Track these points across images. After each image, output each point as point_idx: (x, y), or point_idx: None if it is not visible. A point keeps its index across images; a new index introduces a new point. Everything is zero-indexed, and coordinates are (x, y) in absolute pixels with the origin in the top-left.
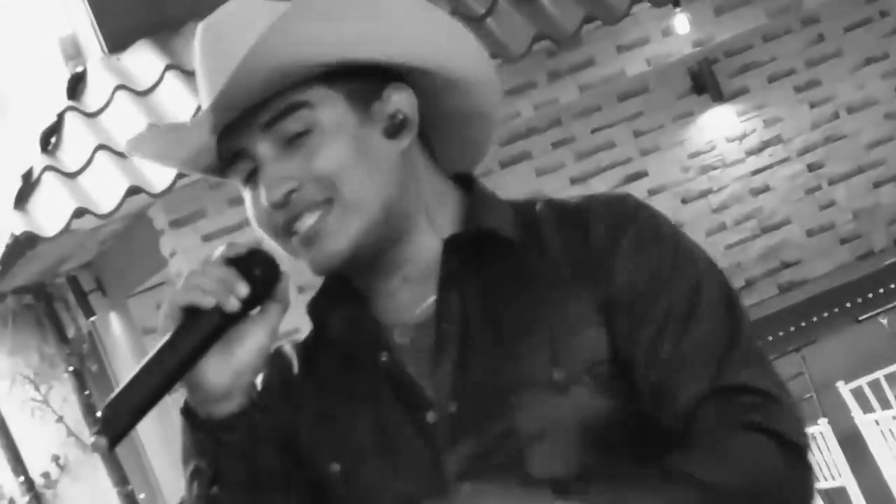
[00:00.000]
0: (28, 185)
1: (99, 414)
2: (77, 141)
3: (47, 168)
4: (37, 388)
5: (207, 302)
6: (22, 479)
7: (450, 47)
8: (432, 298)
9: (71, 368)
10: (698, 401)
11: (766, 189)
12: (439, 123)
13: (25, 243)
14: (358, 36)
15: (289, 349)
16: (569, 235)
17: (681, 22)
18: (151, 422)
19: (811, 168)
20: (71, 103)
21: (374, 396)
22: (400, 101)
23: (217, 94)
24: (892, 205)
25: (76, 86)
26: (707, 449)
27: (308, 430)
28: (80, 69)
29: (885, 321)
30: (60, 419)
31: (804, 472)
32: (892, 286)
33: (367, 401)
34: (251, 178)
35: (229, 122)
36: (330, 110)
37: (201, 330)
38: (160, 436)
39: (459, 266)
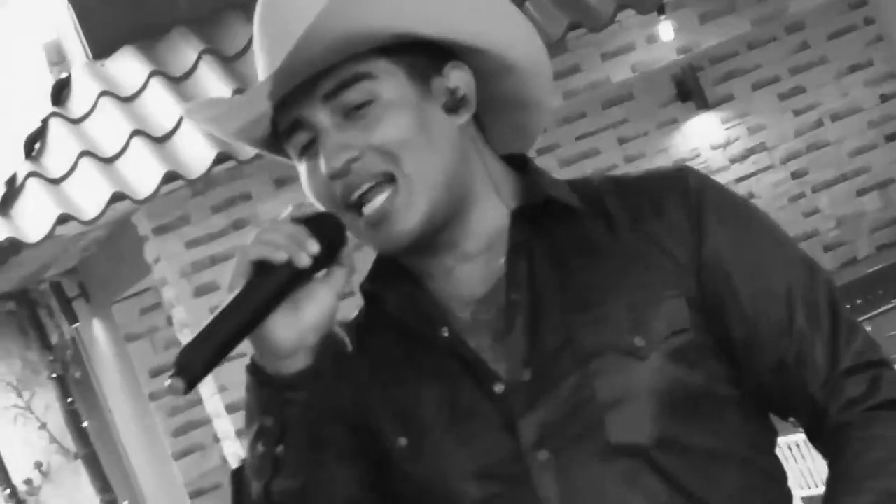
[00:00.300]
0: (12, 191)
1: (175, 359)
2: (61, 147)
3: (31, 174)
4: (19, 395)
5: (280, 256)
6: (4, 486)
7: (508, 31)
8: (492, 272)
9: (54, 375)
10: (840, 375)
11: (750, 196)
12: (491, 108)
13: (9, 249)
14: (424, 11)
15: (338, 329)
16: (638, 207)
17: (665, 29)
18: (134, 428)
19: (795, 175)
20: (55, 109)
21: (437, 372)
22: (459, 78)
23: (284, 59)
24: (876, 212)
25: (60, 92)
26: (877, 442)
27: (371, 405)
28: (64, 75)
29: (869, 328)
30: (43, 426)
31: None
32: (876, 294)
33: (430, 376)
34: (307, 150)
35: (288, 91)
36: (391, 83)
37: (272, 284)
38: (143, 442)
39: (527, 236)
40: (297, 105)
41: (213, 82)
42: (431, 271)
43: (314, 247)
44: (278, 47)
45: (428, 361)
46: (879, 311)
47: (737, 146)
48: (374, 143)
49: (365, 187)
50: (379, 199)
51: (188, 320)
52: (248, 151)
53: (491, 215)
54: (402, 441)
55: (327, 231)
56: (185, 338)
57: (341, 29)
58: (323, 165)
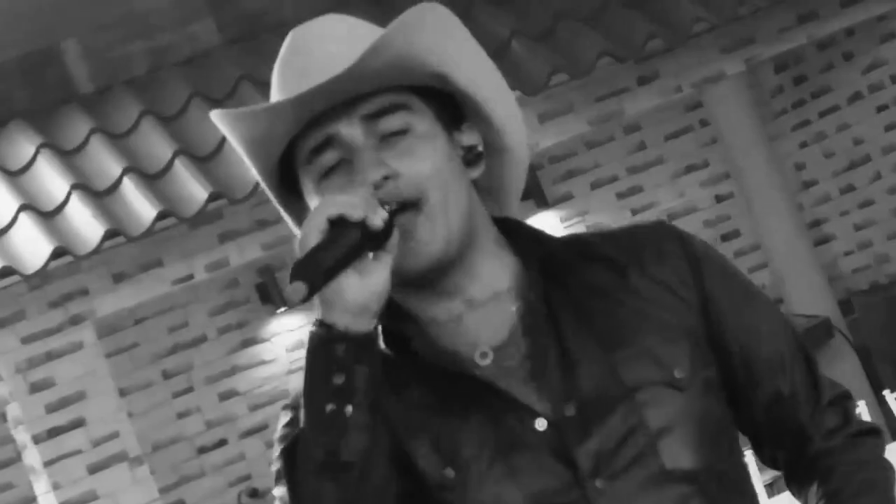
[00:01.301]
0: None
1: (291, 271)
2: None
3: None
4: None
5: (357, 214)
6: None
7: (510, 110)
8: (504, 321)
9: None
10: (822, 408)
11: None
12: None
13: None
14: (458, 57)
15: None
16: (640, 254)
17: None
18: None
19: None
20: None
21: (474, 409)
22: (474, 137)
23: (342, 71)
24: None
25: None
26: (862, 465)
27: (405, 440)
28: None
29: None
30: None
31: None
32: None
33: (467, 413)
34: (331, 173)
35: (322, 110)
36: (425, 120)
37: (349, 238)
38: None
39: (541, 283)
40: (334, 123)
41: (50, 176)
42: (438, 317)
43: (384, 213)
44: (309, 79)
45: (462, 399)
46: None
47: None
48: (407, 170)
49: (392, 205)
50: (404, 217)
51: (23, 417)
52: (85, 246)
53: (496, 264)
54: (450, 472)
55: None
56: (20, 435)
57: (399, 51)
58: (359, 176)
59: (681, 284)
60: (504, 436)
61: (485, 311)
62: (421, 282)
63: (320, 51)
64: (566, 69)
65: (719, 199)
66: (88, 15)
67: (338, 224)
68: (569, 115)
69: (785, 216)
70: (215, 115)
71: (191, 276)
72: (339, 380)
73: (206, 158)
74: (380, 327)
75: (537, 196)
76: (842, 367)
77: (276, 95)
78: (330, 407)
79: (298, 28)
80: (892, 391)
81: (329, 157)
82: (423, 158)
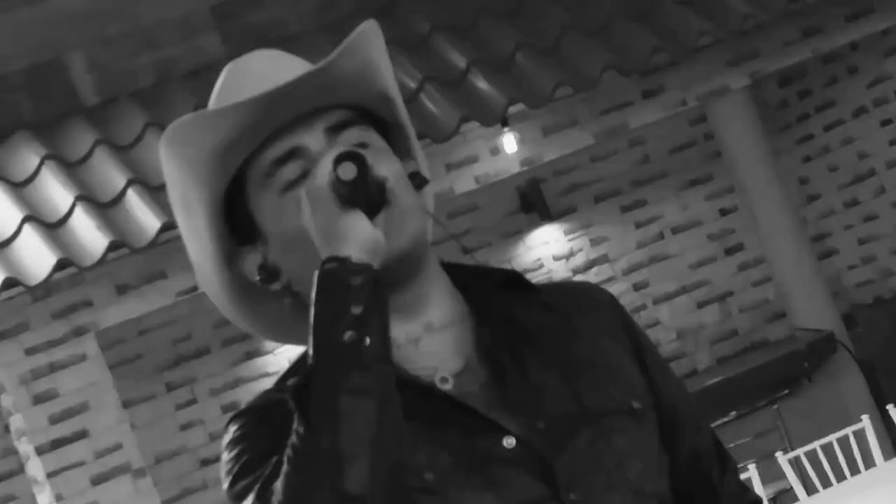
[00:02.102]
0: None
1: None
2: None
3: None
4: None
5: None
6: None
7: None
8: (462, 348)
9: None
10: (728, 473)
11: None
12: None
13: None
14: (390, 84)
15: None
16: (577, 302)
17: (509, 141)
18: None
19: (636, 287)
20: None
21: (442, 426)
22: (415, 165)
23: (304, 75)
24: (716, 324)
25: None
26: None
27: None
28: None
29: None
30: None
31: None
32: (716, 405)
33: (442, 424)
34: (290, 187)
35: (283, 122)
36: (378, 138)
37: (367, 179)
38: None
39: (483, 305)
40: (298, 134)
41: (54, 187)
42: (398, 338)
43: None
44: (271, 81)
45: (434, 413)
46: (718, 422)
47: (579, 257)
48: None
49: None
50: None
51: (26, 429)
52: (90, 258)
53: (446, 293)
54: (430, 476)
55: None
56: (23, 447)
57: (359, 63)
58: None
59: (616, 332)
60: (478, 451)
61: (442, 337)
62: (387, 284)
63: (262, 75)
64: (571, 82)
65: (723, 212)
66: (94, 28)
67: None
68: (573, 128)
69: (789, 230)
70: (173, 128)
71: (195, 288)
72: (356, 310)
73: None
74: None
75: (541, 209)
76: (845, 381)
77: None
78: (350, 335)
79: (234, 61)
80: (895, 405)
81: (292, 168)
82: (386, 166)
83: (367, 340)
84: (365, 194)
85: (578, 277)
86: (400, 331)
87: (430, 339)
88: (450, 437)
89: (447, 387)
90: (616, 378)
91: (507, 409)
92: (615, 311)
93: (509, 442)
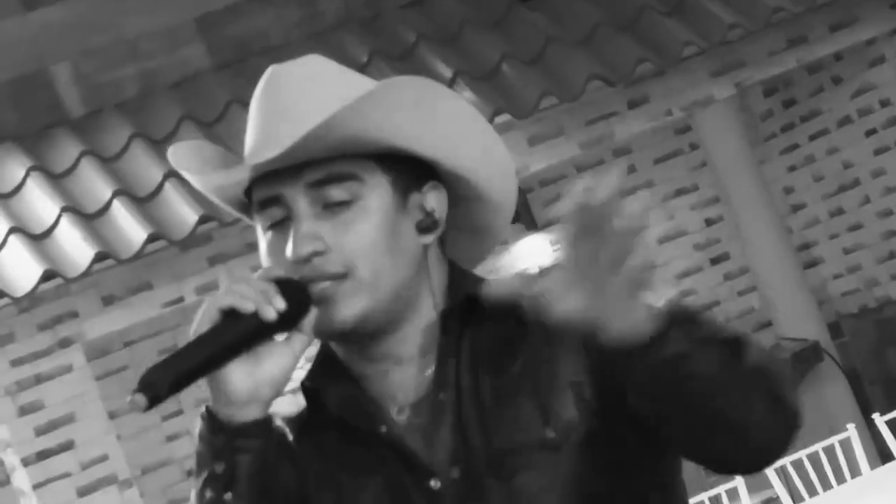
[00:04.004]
0: None
1: (140, 378)
2: None
3: None
4: None
5: (248, 306)
6: None
7: (491, 163)
8: (425, 377)
9: None
10: None
11: None
12: (453, 226)
13: None
14: (422, 131)
15: (279, 423)
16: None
17: None
18: None
19: None
20: None
21: (377, 467)
22: (435, 199)
23: (286, 149)
24: None
25: None
26: None
27: (313, 493)
28: None
29: None
30: None
31: None
32: None
33: (370, 470)
34: (276, 226)
35: (273, 169)
36: (375, 190)
37: (238, 328)
38: None
39: (456, 337)
40: (280, 184)
41: (40, 199)
42: (368, 374)
43: (280, 303)
44: (274, 126)
45: (368, 456)
46: None
47: None
48: (342, 245)
49: (319, 284)
50: (325, 283)
51: (12, 440)
52: (75, 269)
53: (424, 322)
54: None
55: (294, 295)
56: (9, 458)
57: (348, 132)
58: (290, 249)
59: (574, 334)
60: (401, 494)
61: (409, 367)
62: (346, 343)
63: (290, 100)
64: (556, 93)
65: (709, 222)
66: (79, 39)
67: (230, 316)
68: (559, 138)
69: (774, 239)
70: (173, 157)
71: (181, 299)
72: (219, 468)
73: None
74: (299, 388)
75: (527, 219)
76: (831, 390)
77: (249, 134)
78: (209, 494)
79: (276, 67)
80: (881, 414)
81: (275, 212)
82: (360, 233)
83: (228, 497)
84: (235, 350)
85: None
86: (368, 367)
87: (398, 370)
88: (377, 483)
89: (402, 418)
90: (544, 400)
91: (438, 447)
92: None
93: (435, 483)
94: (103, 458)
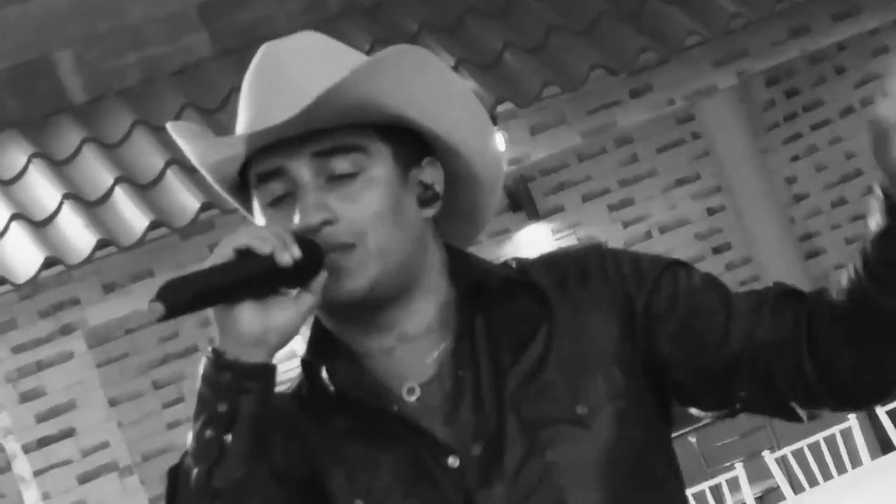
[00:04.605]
0: None
1: (158, 288)
2: None
3: None
4: None
5: (265, 248)
6: None
7: (484, 143)
8: (433, 356)
9: None
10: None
11: None
12: (444, 207)
13: None
14: (427, 101)
15: (279, 401)
16: (564, 277)
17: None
18: None
19: None
20: None
21: (390, 445)
22: (433, 174)
23: (297, 114)
24: None
25: None
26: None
27: (322, 469)
28: None
29: (693, 440)
30: None
31: None
32: None
33: (385, 447)
34: (277, 202)
35: (273, 141)
36: (379, 161)
37: (252, 267)
38: None
39: (467, 316)
40: (283, 156)
41: (42, 186)
42: (370, 351)
43: (297, 251)
44: (276, 99)
45: (379, 433)
46: (704, 422)
47: None
48: (350, 215)
49: (328, 254)
50: (336, 255)
51: (13, 427)
52: (77, 256)
53: (432, 299)
54: (359, 503)
55: (309, 252)
56: (10, 445)
57: (360, 96)
58: (297, 218)
59: (602, 305)
60: (419, 472)
61: (416, 345)
62: (353, 316)
63: (289, 74)
64: (559, 82)
65: (711, 211)
66: (81, 26)
67: (245, 255)
68: (561, 127)
69: (776, 229)
70: (173, 130)
71: None
72: (221, 407)
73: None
74: (300, 360)
75: (528, 208)
76: None
77: (243, 111)
78: (209, 433)
79: (272, 43)
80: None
81: (276, 186)
82: (367, 204)
83: (227, 438)
84: (245, 291)
85: None
86: (372, 343)
87: (404, 348)
88: (394, 458)
89: (412, 398)
90: (569, 378)
91: (458, 425)
92: (606, 279)
93: (454, 461)
94: (104, 445)
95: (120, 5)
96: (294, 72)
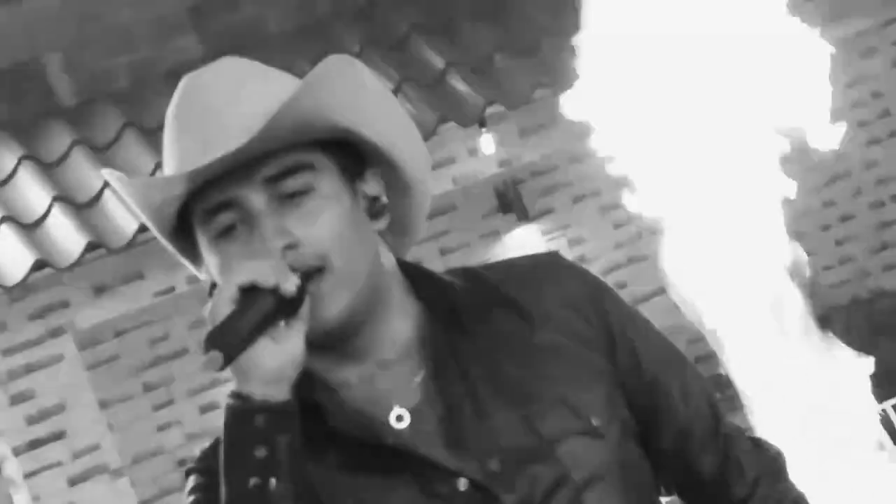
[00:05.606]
0: None
1: (205, 338)
2: None
3: None
4: None
5: (270, 281)
6: None
7: (414, 150)
8: (416, 380)
9: None
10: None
11: None
12: None
13: None
14: (365, 112)
15: None
16: (541, 296)
17: (486, 142)
18: None
19: (615, 287)
20: None
21: (393, 479)
22: (377, 185)
23: (244, 143)
24: (694, 324)
25: None
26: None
27: (333, 502)
28: None
29: None
30: None
31: None
32: None
33: (386, 484)
34: (225, 234)
35: (217, 174)
36: (328, 178)
37: (262, 306)
38: None
39: (445, 333)
40: (233, 185)
41: (31, 188)
42: (349, 380)
43: (296, 279)
44: (212, 132)
45: (383, 465)
46: None
47: None
48: (308, 238)
49: (299, 273)
50: (312, 283)
51: (3, 429)
52: (67, 258)
53: (403, 317)
54: None
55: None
56: (0, 448)
57: (308, 113)
58: (264, 245)
59: (585, 323)
60: (431, 497)
61: (396, 370)
62: (331, 344)
63: (221, 103)
64: (549, 83)
65: None
66: (71, 28)
67: (249, 292)
68: (551, 128)
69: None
70: (109, 177)
71: (172, 289)
72: (261, 452)
73: None
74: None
75: (519, 210)
76: None
77: (174, 147)
78: (254, 481)
79: (192, 75)
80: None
81: (225, 218)
82: (325, 223)
83: (273, 483)
84: (262, 328)
85: None
86: (351, 373)
87: (384, 374)
88: (402, 488)
89: (402, 425)
90: (576, 391)
91: (462, 446)
92: (584, 295)
93: (462, 484)
94: (94, 448)
95: (109, 8)
96: (225, 100)
